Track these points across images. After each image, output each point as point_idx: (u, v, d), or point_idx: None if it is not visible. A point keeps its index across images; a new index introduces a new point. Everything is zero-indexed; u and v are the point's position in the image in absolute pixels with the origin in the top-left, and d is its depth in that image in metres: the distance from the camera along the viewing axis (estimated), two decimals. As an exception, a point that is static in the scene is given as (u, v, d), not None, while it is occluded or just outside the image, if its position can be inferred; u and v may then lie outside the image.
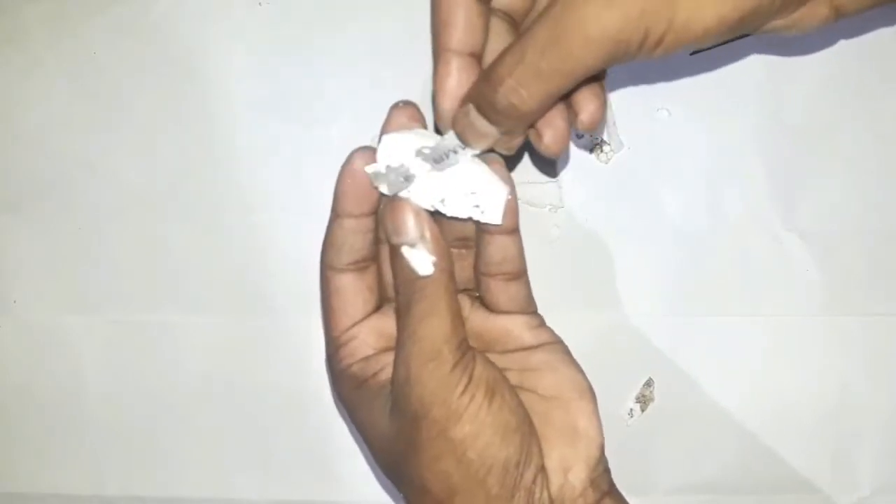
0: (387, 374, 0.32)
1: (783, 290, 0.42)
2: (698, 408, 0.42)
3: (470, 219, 0.33)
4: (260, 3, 0.44)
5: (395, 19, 0.43)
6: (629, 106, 0.42)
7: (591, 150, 0.43)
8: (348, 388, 0.33)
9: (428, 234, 0.31)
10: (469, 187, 0.32)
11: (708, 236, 0.42)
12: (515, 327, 0.35)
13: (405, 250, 0.31)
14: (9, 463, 0.45)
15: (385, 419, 0.32)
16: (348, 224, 0.33)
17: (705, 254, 0.42)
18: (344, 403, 0.34)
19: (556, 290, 0.42)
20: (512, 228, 0.34)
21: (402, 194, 0.31)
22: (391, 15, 0.43)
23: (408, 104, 0.33)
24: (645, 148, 0.42)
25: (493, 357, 0.34)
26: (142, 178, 0.44)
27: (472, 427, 0.30)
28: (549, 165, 0.42)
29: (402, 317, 0.31)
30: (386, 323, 0.34)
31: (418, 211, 0.31)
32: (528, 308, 0.35)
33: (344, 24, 0.43)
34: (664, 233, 0.43)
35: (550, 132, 0.32)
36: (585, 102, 0.32)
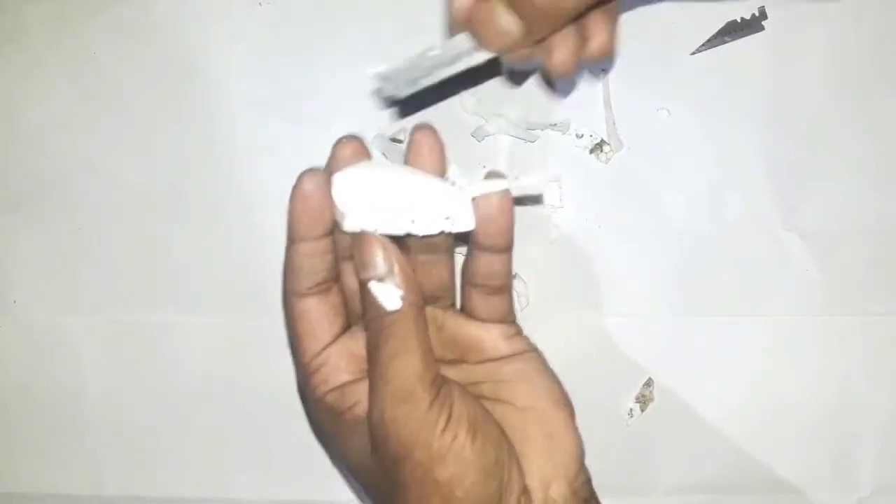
0: (362, 407, 0.32)
1: (783, 290, 0.42)
2: (698, 408, 0.42)
3: (442, 232, 0.32)
4: (260, 3, 0.44)
5: (395, 19, 0.43)
6: (629, 106, 0.42)
7: (591, 150, 0.42)
8: (325, 418, 0.33)
9: (396, 268, 0.30)
10: (435, 202, 0.32)
11: (708, 236, 0.42)
12: (490, 336, 0.34)
13: (373, 285, 0.30)
14: (9, 463, 0.45)
15: (365, 456, 0.31)
16: (305, 248, 0.32)
17: (705, 254, 0.42)
18: (320, 432, 0.34)
19: (556, 290, 0.42)
20: (503, 248, 0.33)
21: (370, 225, 0.31)
22: (391, 15, 0.43)
23: (350, 138, 0.32)
24: (645, 148, 0.42)
25: (467, 368, 0.33)
26: (142, 178, 0.44)
27: (456, 467, 0.30)
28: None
29: (372, 354, 0.31)
30: (356, 344, 0.33)
31: (386, 244, 0.31)
32: (507, 319, 0.35)
33: (344, 24, 0.43)
34: (664, 233, 0.43)
35: (561, 50, 0.32)
36: (598, 29, 0.32)
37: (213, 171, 0.44)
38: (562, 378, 0.38)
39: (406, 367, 0.30)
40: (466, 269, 0.34)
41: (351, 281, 0.34)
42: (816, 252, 0.42)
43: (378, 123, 0.43)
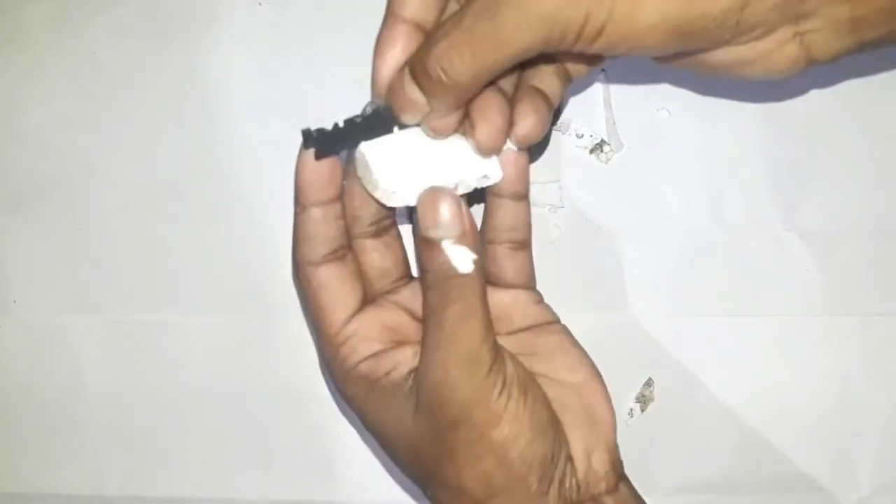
0: (401, 371, 0.31)
1: (783, 290, 0.42)
2: (698, 408, 0.42)
3: (475, 189, 0.32)
4: (260, 3, 0.44)
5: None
6: (629, 106, 0.42)
7: (591, 150, 0.43)
8: (358, 388, 0.32)
9: (469, 229, 0.29)
10: (467, 161, 0.31)
11: (708, 236, 0.42)
12: (521, 301, 0.34)
13: (447, 245, 0.29)
14: (9, 463, 0.45)
15: (408, 420, 0.31)
16: (317, 213, 0.31)
17: (705, 254, 0.42)
18: (352, 404, 0.33)
19: (555, 290, 0.42)
20: (523, 194, 0.33)
21: (415, 198, 0.30)
22: (391, 15, 0.43)
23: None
24: (645, 148, 0.42)
25: (499, 340, 0.33)
26: (142, 178, 0.44)
27: (511, 428, 0.30)
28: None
29: (434, 316, 0.30)
30: (385, 315, 0.32)
31: (459, 201, 0.29)
32: (531, 283, 0.35)
33: (344, 24, 0.43)
34: (664, 233, 0.43)
35: (485, 127, 0.30)
36: (525, 115, 0.31)
37: (213, 171, 0.44)
38: (562, 378, 0.38)
39: (473, 330, 0.29)
40: (488, 228, 0.34)
41: (374, 258, 0.33)
42: (816, 252, 0.42)
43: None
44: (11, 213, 0.44)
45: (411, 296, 0.33)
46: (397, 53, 0.30)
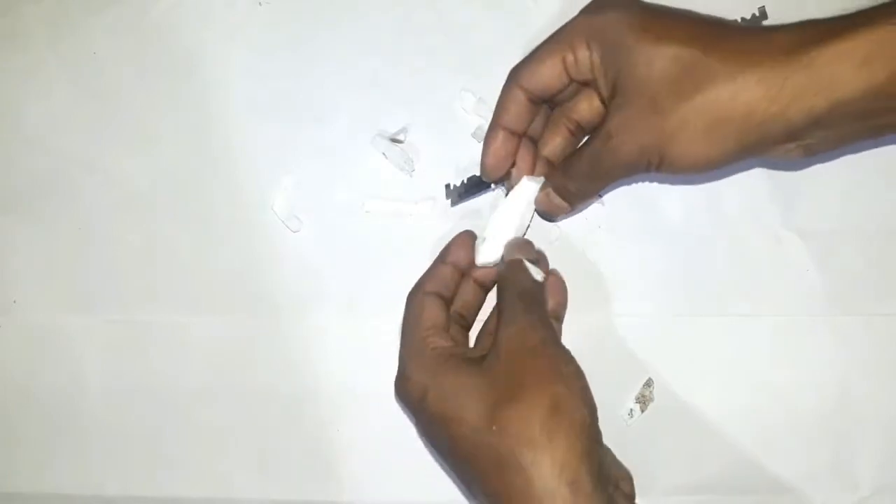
0: (466, 347, 0.40)
1: (783, 290, 0.42)
2: (698, 408, 0.42)
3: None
4: (260, 3, 0.44)
5: (395, 19, 0.43)
6: (629, 106, 0.42)
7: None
8: (431, 364, 0.37)
9: (539, 257, 0.41)
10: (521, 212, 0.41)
11: (708, 236, 0.42)
12: None
13: (528, 264, 0.39)
14: (9, 463, 0.45)
15: (478, 380, 0.36)
16: (449, 268, 0.40)
17: (705, 254, 0.42)
18: (415, 391, 0.37)
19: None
20: None
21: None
22: (391, 15, 0.43)
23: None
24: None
25: None
26: (142, 178, 0.44)
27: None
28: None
29: (509, 307, 0.37)
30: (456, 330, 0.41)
31: (534, 245, 0.41)
32: None
33: (343, 24, 0.43)
34: (664, 233, 0.43)
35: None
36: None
37: (212, 170, 0.44)
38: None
39: (540, 312, 0.38)
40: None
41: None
42: (816, 252, 0.42)
43: (377, 124, 0.43)
44: (11, 213, 0.44)
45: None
46: (497, 148, 0.40)
